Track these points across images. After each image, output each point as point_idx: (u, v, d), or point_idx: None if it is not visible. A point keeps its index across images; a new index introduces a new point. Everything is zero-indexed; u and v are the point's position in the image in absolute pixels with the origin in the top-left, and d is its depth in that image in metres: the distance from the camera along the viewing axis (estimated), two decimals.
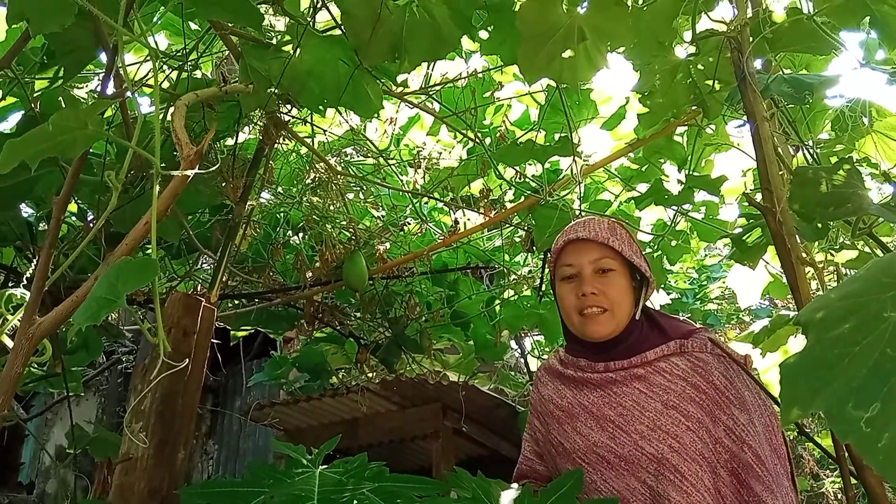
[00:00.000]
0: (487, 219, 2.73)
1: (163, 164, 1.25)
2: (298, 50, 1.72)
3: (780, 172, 1.77)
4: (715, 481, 1.29)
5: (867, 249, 2.10)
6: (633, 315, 1.45)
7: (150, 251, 0.91)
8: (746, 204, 1.81)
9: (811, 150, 2.19)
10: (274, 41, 1.84)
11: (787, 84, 1.85)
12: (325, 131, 2.50)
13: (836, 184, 1.12)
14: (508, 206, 2.94)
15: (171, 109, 1.05)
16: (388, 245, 2.82)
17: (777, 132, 2.06)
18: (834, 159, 2.29)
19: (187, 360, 0.99)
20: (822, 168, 1.11)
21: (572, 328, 1.48)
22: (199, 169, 1.07)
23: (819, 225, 1.34)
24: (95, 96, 1.79)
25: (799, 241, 1.80)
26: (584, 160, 2.50)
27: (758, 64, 1.98)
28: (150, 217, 0.83)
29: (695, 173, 2.46)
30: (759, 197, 1.50)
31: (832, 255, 2.34)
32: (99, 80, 1.94)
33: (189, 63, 1.80)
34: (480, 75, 2.38)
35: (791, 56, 2.21)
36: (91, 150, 1.78)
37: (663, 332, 1.46)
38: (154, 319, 1.07)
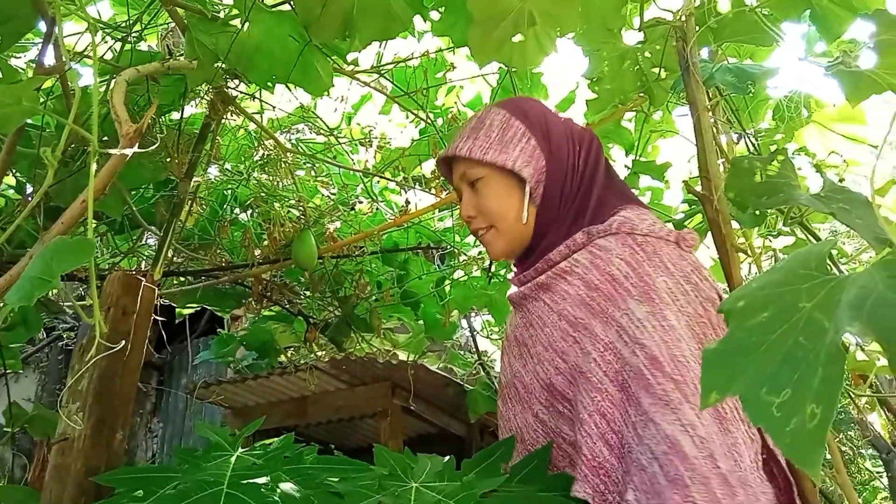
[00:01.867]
0: (439, 199, 2.74)
1: (105, 139, 1.22)
2: (247, 24, 1.69)
3: (720, 161, 1.82)
4: (597, 403, 0.99)
5: (804, 236, 2.18)
6: (536, 217, 1.20)
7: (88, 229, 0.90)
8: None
9: (752, 139, 2.26)
10: (222, 14, 1.80)
11: (731, 73, 1.90)
12: (274, 108, 2.47)
13: (771, 174, 1.16)
14: None
15: (112, 84, 1.03)
16: (338, 224, 2.81)
17: (721, 120, 2.12)
18: (774, 148, 2.36)
19: (125, 341, 0.98)
20: (757, 158, 1.15)
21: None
22: (141, 146, 1.05)
23: (756, 212, 1.39)
24: (34, 66, 1.73)
25: (738, 227, 1.86)
26: None
27: (704, 53, 2.03)
28: (87, 196, 0.81)
29: (641, 158, 2.51)
30: (699, 185, 1.54)
31: (770, 241, 2.43)
32: (38, 49, 1.87)
33: (133, 35, 1.75)
34: (433, 56, 2.38)
35: (736, 46, 2.26)
36: (30, 122, 1.73)
37: (583, 221, 1.17)
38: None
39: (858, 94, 1.50)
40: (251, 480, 0.93)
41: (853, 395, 2.54)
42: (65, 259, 0.73)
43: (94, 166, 0.79)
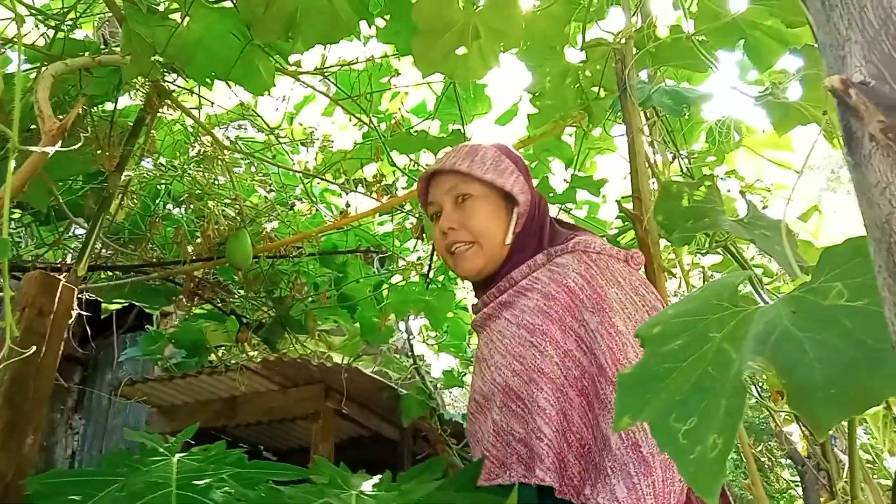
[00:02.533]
0: (380, 203, 2.73)
1: (32, 128, 1.18)
2: (187, 19, 1.65)
3: (651, 181, 1.87)
4: (560, 402, 1.08)
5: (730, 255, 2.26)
6: (512, 242, 1.29)
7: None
8: None
9: (685, 160, 2.33)
10: (161, 7, 1.76)
11: (668, 96, 1.96)
12: (213, 104, 2.41)
13: (698, 199, 1.20)
14: (401, 192, 2.95)
15: (37, 78, 0.99)
16: (275, 224, 2.77)
17: (657, 140, 2.18)
18: (706, 169, 2.44)
19: (37, 345, 0.94)
20: (685, 183, 1.19)
21: (450, 269, 1.36)
22: (67, 140, 1.01)
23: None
24: None
25: (667, 244, 1.91)
26: None
27: (644, 74, 2.08)
28: (2, 193, 0.78)
29: (580, 173, 2.56)
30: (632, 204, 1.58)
31: (699, 258, 2.51)
32: None
33: (66, 22, 1.69)
34: (378, 61, 2.37)
35: (674, 69, 2.33)
36: None
37: (541, 247, 1.29)
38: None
39: (785, 125, 1.57)
40: (198, 482, 0.92)
41: (771, 410, 2.64)
42: None
43: (12, 163, 0.76)
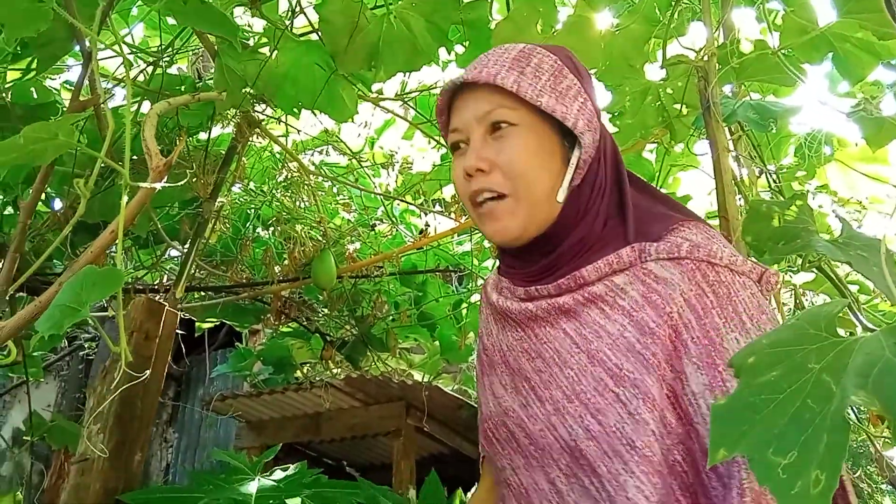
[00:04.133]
0: (458, 224, 2.76)
1: (134, 158, 1.26)
2: (275, 52, 1.73)
3: (738, 198, 1.83)
4: (658, 495, 0.77)
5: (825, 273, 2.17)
6: (566, 201, 0.90)
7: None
8: None
9: (774, 175, 2.26)
10: (251, 41, 1.85)
11: (753, 110, 1.91)
12: (299, 131, 2.51)
13: (788, 219, 1.17)
14: None
15: (144, 118, 1.06)
16: (358, 245, 2.84)
17: (742, 155, 2.13)
18: (795, 185, 2.36)
19: (144, 368, 1.01)
20: (775, 203, 1.16)
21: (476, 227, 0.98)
22: (171, 171, 1.08)
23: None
24: (69, 87, 1.79)
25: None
26: None
27: (727, 88, 2.04)
28: (116, 226, 0.84)
29: (662, 190, 2.51)
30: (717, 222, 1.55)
31: (790, 276, 2.42)
32: (73, 66, 1.93)
33: (164, 58, 1.80)
34: None
35: (759, 82, 2.27)
36: None
37: (626, 228, 0.90)
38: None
39: (879, 140, 1.51)
40: (277, 500, 0.98)
41: (871, 436, 2.51)
42: (94, 289, 0.76)
43: (124, 198, 0.82)
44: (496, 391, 0.97)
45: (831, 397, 0.57)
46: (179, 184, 0.97)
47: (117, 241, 0.83)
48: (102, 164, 0.97)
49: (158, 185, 0.89)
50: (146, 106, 1.83)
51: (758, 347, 0.66)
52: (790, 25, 1.71)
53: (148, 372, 1.15)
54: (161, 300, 1.46)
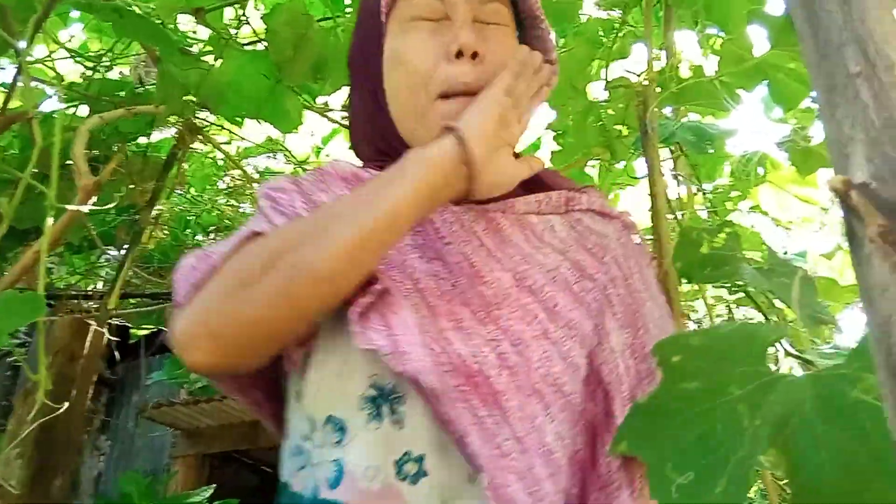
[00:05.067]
0: None
1: (69, 174, 1.23)
2: (219, 60, 1.71)
3: (677, 215, 1.88)
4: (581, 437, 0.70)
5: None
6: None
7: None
8: None
9: (709, 195, 2.33)
10: (196, 48, 1.82)
11: (691, 132, 1.97)
12: (242, 138, 2.48)
13: (717, 246, 1.21)
14: None
15: (75, 134, 1.03)
16: None
17: (681, 175, 2.20)
18: (729, 205, 2.44)
19: (67, 390, 0.97)
20: (704, 229, 1.20)
21: (410, 119, 0.76)
22: (107, 181, 1.06)
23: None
24: (3, 89, 1.73)
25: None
26: None
27: (668, 109, 2.10)
28: (38, 249, 0.82)
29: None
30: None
31: (724, 293, 2.50)
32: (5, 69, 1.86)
33: (103, 63, 1.76)
34: None
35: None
36: None
37: (537, 180, 0.78)
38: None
39: (807, 168, 1.58)
40: None
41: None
42: (14, 316, 0.73)
43: (49, 221, 0.79)
44: (482, 266, 0.76)
45: (742, 433, 0.56)
46: (108, 206, 0.95)
47: (40, 265, 0.81)
48: (35, 171, 0.94)
49: (86, 208, 0.87)
50: (84, 109, 1.78)
51: (686, 345, 0.65)
52: (728, 53, 1.77)
53: (69, 394, 1.12)
54: (91, 312, 1.42)
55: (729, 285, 2.44)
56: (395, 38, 0.76)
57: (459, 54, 0.73)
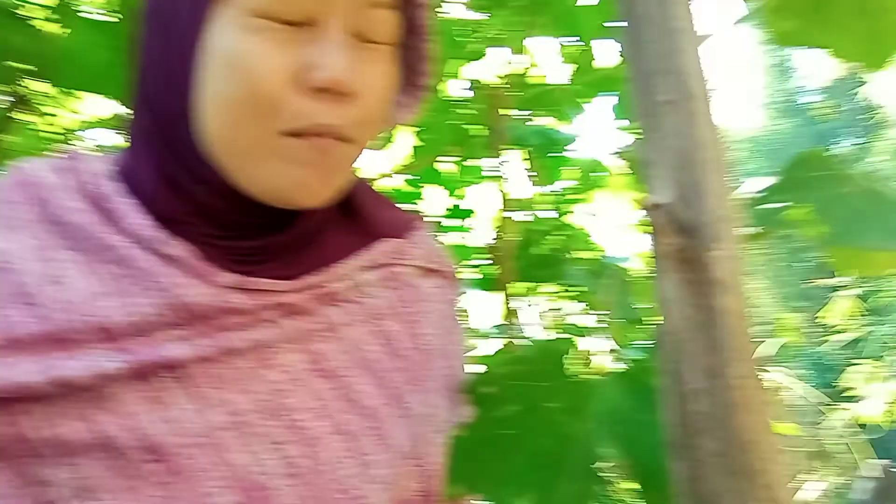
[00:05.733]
0: None
1: None
2: (55, 26, 1.58)
3: (524, 215, 1.97)
4: None
5: None
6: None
7: None
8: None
9: (554, 196, 2.46)
10: (28, 13, 1.67)
11: (539, 136, 2.07)
12: (78, 111, 2.30)
13: (552, 247, 1.28)
14: None
15: None
16: None
17: (528, 175, 2.30)
18: (571, 207, 2.59)
19: None
20: (542, 232, 1.27)
21: (237, 151, 0.54)
22: None
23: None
24: None
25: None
26: None
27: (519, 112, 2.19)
28: None
29: (456, 201, 2.64)
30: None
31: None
32: None
33: None
34: None
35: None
36: None
37: (358, 215, 0.64)
38: None
39: (640, 177, 1.70)
40: None
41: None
42: None
43: None
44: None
45: (571, 440, 0.59)
46: None
47: None
48: None
49: None
50: None
51: (495, 377, 0.65)
52: (579, 63, 1.88)
53: None
54: None
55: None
56: (230, 34, 0.52)
57: (323, 88, 0.52)
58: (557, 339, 0.73)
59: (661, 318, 0.45)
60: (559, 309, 1.88)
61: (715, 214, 0.45)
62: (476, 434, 0.61)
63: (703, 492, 0.43)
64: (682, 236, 0.44)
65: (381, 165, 2.75)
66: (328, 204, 0.58)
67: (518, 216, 1.87)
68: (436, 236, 0.71)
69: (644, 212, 0.47)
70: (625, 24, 0.50)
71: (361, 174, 0.68)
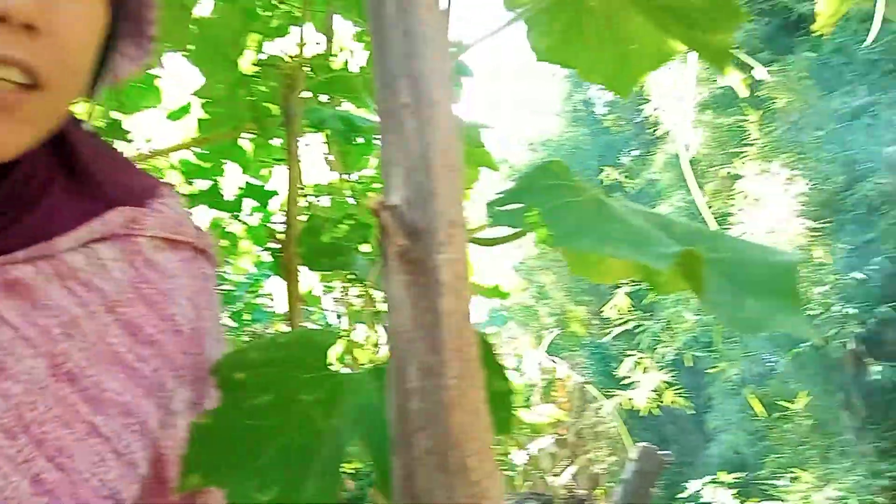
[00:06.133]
0: None
1: None
2: None
3: (318, 200, 1.94)
4: None
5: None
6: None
7: None
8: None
9: (354, 183, 2.45)
10: None
11: (342, 121, 2.05)
12: None
13: (338, 236, 1.27)
14: None
15: None
16: None
17: (329, 160, 2.27)
18: (371, 193, 2.59)
19: None
20: (329, 220, 1.26)
21: None
22: None
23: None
24: None
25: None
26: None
27: (324, 96, 2.15)
28: None
29: (255, 181, 2.54)
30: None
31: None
32: None
33: None
34: None
35: None
36: None
37: (89, 179, 0.57)
38: None
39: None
40: None
41: None
42: None
43: None
44: None
45: (320, 435, 0.58)
46: None
47: None
48: None
49: None
50: None
51: (248, 362, 0.62)
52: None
53: None
54: None
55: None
56: None
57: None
58: (323, 329, 0.71)
59: (389, 317, 0.45)
60: (343, 299, 1.88)
61: (443, 218, 0.46)
62: (221, 422, 0.58)
63: (417, 488, 0.45)
64: (410, 238, 0.45)
65: (172, 137, 2.59)
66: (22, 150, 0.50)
67: (310, 202, 1.84)
68: (184, 205, 0.65)
69: (374, 214, 0.47)
70: (372, 25, 0.49)
71: (94, 132, 0.62)
